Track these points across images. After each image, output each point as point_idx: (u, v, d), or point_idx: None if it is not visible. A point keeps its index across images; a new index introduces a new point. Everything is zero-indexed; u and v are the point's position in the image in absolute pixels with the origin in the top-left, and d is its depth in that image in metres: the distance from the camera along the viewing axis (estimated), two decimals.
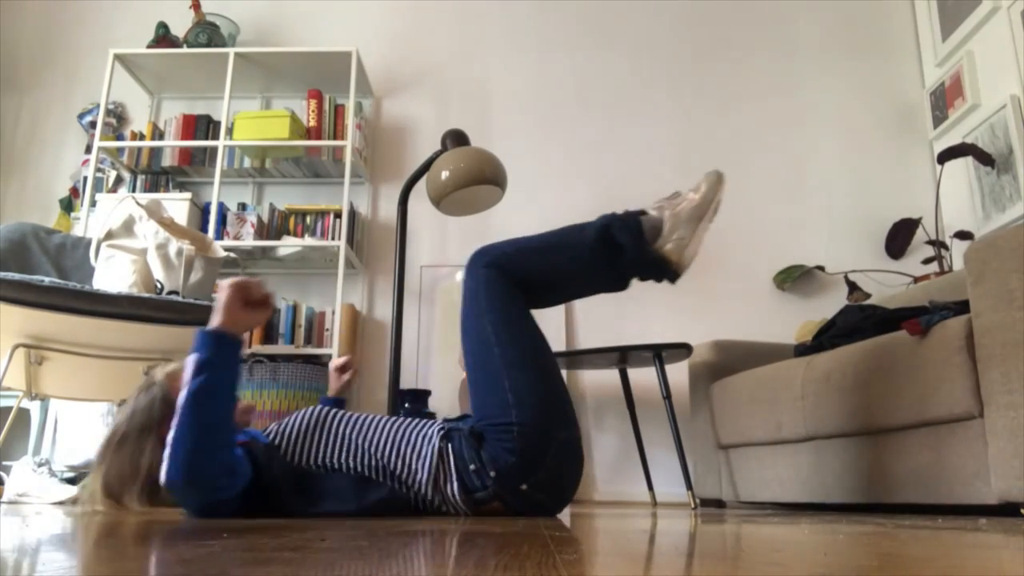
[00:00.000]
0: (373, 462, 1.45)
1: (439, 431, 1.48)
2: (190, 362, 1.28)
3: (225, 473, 1.27)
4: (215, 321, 1.31)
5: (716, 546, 0.89)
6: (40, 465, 2.50)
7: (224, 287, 1.32)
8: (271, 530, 0.97)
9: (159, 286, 2.21)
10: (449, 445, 1.46)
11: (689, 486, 2.50)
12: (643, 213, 1.62)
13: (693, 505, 2.47)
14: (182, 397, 1.26)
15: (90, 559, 0.68)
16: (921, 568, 0.62)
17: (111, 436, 1.45)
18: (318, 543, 0.78)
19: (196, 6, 3.65)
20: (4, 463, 2.70)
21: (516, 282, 1.57)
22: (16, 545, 0.79)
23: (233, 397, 1.31)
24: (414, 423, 1.52)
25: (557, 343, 3.33)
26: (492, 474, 1.43)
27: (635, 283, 1.69)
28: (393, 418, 1.54)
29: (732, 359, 2.72)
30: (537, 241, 1.61)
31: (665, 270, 1.60)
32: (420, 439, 1.47)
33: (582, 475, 1.58)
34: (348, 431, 1.48)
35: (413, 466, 1.45)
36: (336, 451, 1.46)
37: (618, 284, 1.65)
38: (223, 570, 0.57)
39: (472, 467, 1.44)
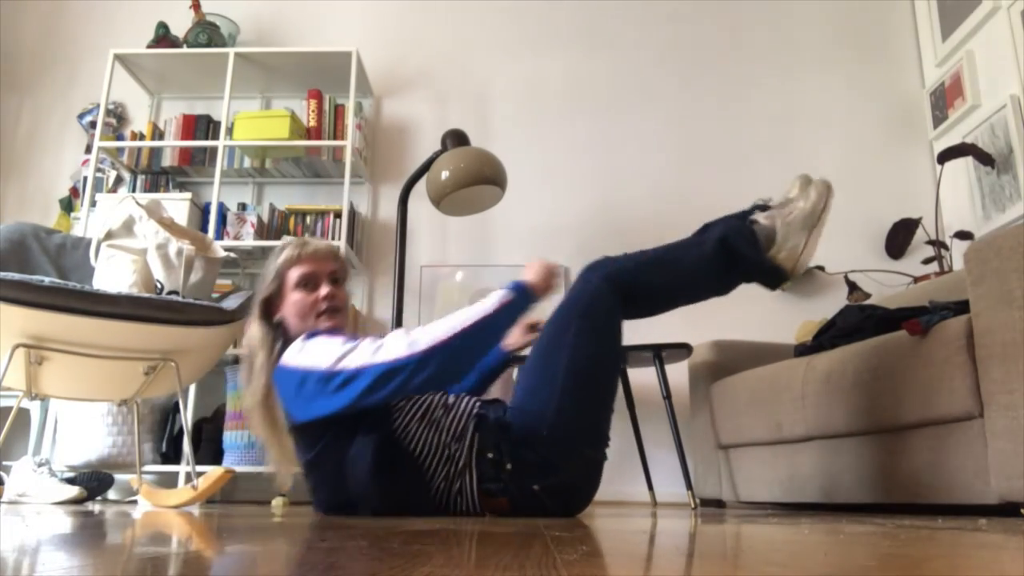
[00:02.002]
0: (419, 443, 1.47)
1: (473, 417, 1.50)
2: (495, 295, 1.42)
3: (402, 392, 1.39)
4: (530, 277, 1.47)
5: (716, 546, 0.89)
6: (40, 465, 2.50)
7: (541, 263, 1.51)
8: (271, 530, 0.97)
9: (159, 286, 2.21)
10: (477, 433, 1.47)
11: (689, 486, 2.50)
12: (753, 221, 1.65)
13: (693, 505, 2.46)
14: (466, 318, 1.38)
15: (90, 560, 0.68)
16: (921, 568, 0.62)
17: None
18: (318, 543, 0.78)
19: (196, 6, 3.65)
20: (4, 463, 2.70)
21: (626, 297, 1.58)
22: (16, 545, 0.79)
23: (494, 344, 1.46)
24: (454, 403, 1.54)
25: None
26: (508, 467, 1.43)
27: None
28: (432, 397, 1.55)
29: (732, 359, 2.72)
30: (656, 256, 1.63)
31: (778, 278, 1.66)
32: (457, 420, 1.50)
33: (594, 495, 1.58)
34: (416, 408, 1.53)
35: (452, 448, 1.47)
36: (406, 423, 1.50)
37: (725, 291, 1.70)
38: (223, 570, 0.57)
39: (490, 455, 1.44)
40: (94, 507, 2.21)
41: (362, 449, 1.44)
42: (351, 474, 1.45)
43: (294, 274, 1.60)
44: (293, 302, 1.59)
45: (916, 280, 3.12)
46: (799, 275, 1.65)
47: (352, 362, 1.38)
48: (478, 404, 1.53)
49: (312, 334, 1.51)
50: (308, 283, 1.60)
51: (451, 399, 1.55)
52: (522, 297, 1.44)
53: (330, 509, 1.56)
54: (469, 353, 1.41)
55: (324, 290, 1.60)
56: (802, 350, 2.31)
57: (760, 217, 1.65)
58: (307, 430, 1.49)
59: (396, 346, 1.37)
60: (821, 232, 1.65)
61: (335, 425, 1.45)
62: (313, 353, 1.45)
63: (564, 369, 1.49)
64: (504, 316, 1.42)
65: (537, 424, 1.45)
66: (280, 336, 1.59)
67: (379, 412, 1.47)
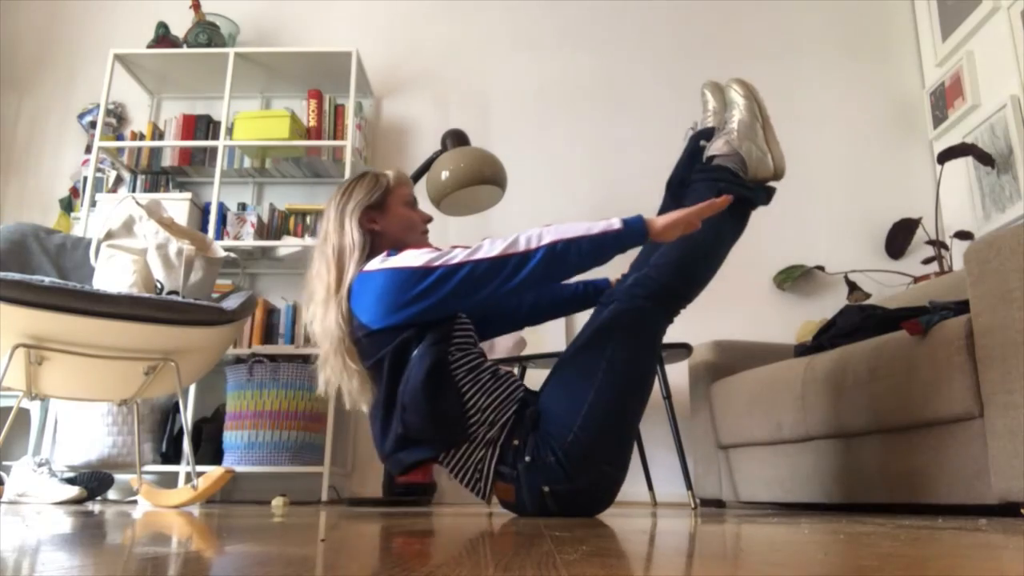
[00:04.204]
0: (466, 390, 1.47)
1: (517, 400, 1.50)
2: (608, 221, 1.40)
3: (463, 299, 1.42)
4: (664, 221, 1.42)
5: (716, 546, 0.89)
6: (40, 465, 2.50)
7: (686, 215, 1.43)
8: (271, 530, 0.97)
9: (159, 286, 2.21)
10: (515, 417, 1.48)
11: (689, 486, 2.50)
12: (713, 158, 1.66)
13: (693, 505, 2.46)
14: (570, 230, 1.38)
15: (90, 560, 0.68)
16: (921, 568, 0.62)
17: (340, 194, 1.67)
18: (318, 543, 0.78)
19: (196, 6, 3.65)
20: (4, 463, 2.70)
21: (673, 310, 1.59)
22: (16, 545, 0.79)
23: (588, 264, 1.41)
24: (503, 377, 1.54)
25: (557, 343, 3.33)
26: (527, 459, 1.43)
27: None
28: (483, 360, 1.55)
29: (732, 359, 2.72)
30: (693, 253, 1.60)
31: (769, 191, 1.70)
32: (502, 394, 1.50)
33: (602, 511, 1.58)
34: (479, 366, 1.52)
35: (492, 417, 1.47)
36: (459, 364, 1.49)
37: (738, 235, 1.71)
38: (223, 570, 0.57)
39: (516, 442, 1.44)
40: (94, 507, 2.21)
41: (419, 360, 1.43)
42: (405, 380, 1.44)
43: (403, 192, 1.69)
44: (402, 216, 1.68)
45: (916, 280, 3.12)
46: (783, 173, 1.66)
47: (451, 260, 1.42)
48: (523, 389, 1.53)
49: (391, 252, 1.53)
50: (411, 205, 1.72)
51: (501, 371, 1.55)
52: (631, 234, 1.41)
53: (384, 441, 1.52)
54: (565, 263, 1.40)
55: (426, 214, 1.75)
56: (802, 350, 2.31)
57: (717, 150, 1.66)
58: (376, 337, 1.47)
59: (495, 246, 1.42)
60: (769, 119, 1.67)
61: (404, 331, 1.45)
62: (403, 258, 1.47)
63: (598, 385, 1.47)
64: (604, 243, 1.40)
65: (563, 429, 1.44)
66: (369, 245, 1.60)
67: (440, 334, 1.46)
